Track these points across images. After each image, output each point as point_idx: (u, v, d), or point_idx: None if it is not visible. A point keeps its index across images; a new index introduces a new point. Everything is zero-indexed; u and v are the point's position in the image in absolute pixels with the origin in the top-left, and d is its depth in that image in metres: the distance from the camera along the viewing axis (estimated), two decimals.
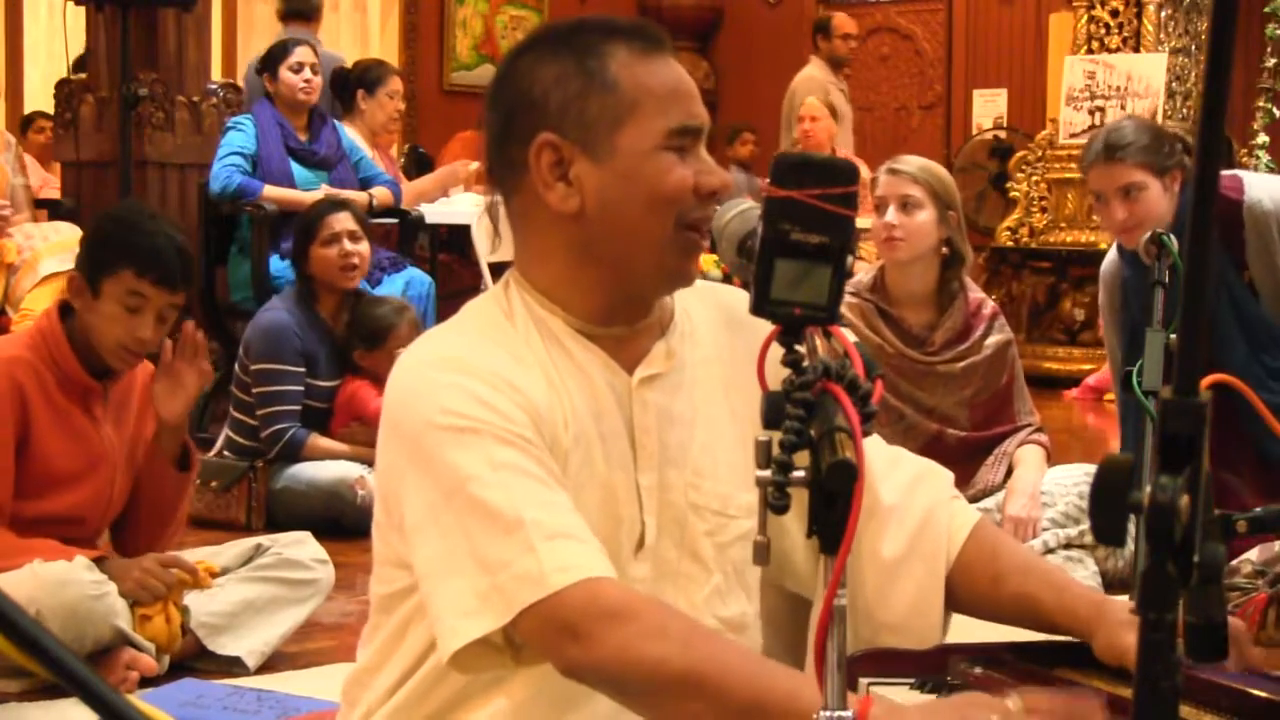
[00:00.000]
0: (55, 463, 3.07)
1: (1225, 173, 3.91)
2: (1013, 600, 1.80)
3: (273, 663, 3.23)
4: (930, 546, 1.81)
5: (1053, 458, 4.07)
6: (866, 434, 1.20)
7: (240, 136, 5.86)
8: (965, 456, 3.89)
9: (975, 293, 4.02)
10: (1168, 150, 3.70)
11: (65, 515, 3.11)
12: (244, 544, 3.39)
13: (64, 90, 6.50)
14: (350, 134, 6.23)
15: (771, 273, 1.33)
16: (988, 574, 1.81)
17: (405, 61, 10.40)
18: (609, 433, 1.69)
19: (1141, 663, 0.88)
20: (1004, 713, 1.45)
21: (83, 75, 6.54)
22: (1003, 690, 1.58)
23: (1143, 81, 8.14)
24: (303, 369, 4.70)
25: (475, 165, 6.92)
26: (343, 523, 4.45)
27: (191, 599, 3.19)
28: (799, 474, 1.20)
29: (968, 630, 1.92)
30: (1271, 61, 8.65)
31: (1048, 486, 3.92)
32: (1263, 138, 8.56)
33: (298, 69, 5.93)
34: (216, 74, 7.52)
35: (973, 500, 3.79)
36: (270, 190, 5.75)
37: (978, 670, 1.71)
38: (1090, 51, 8.41)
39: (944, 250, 3.88)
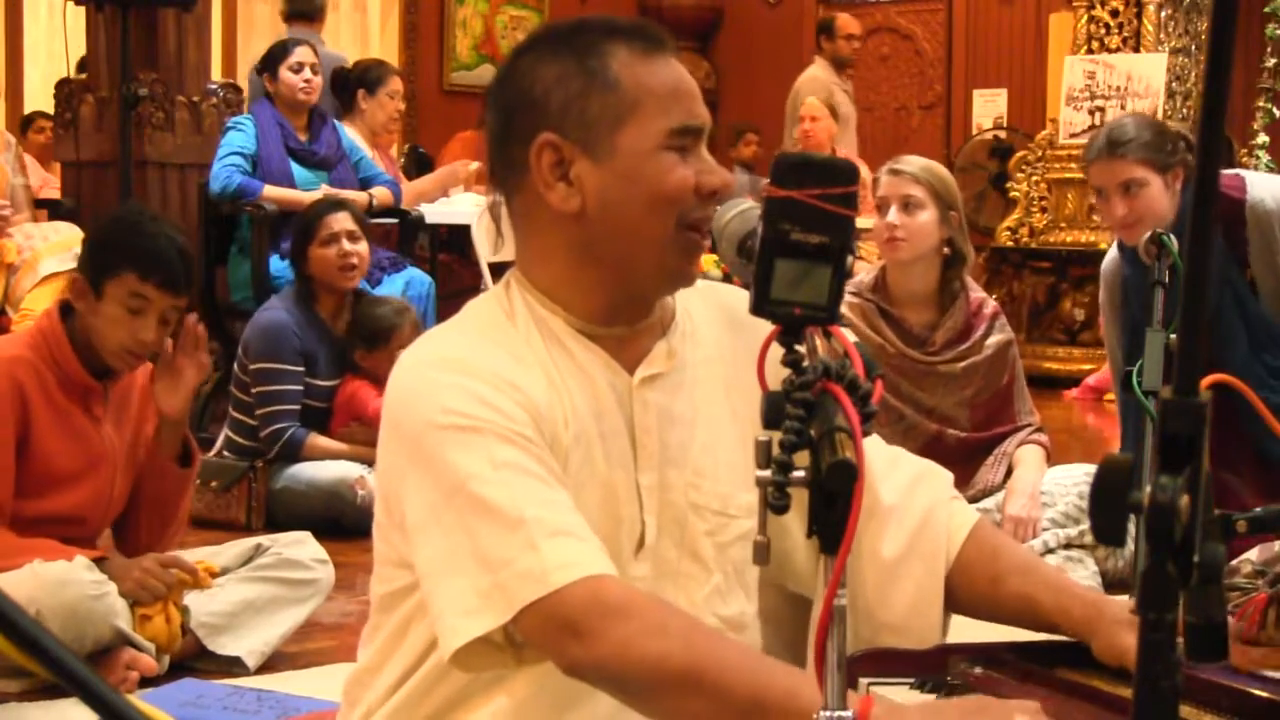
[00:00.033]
0: (55, 462, 3.07)
1: (1227, 172, 3.91)
2: (1011, 600, 1.80)
3: (273, 663, 3.23)
4: (929, 547, 1.82)
5: (1053, 458, 4.07)
6: (866, 434, 1.20)
7: (240, 136, 5.86)
8: (965, 457, 3.89)
9: (976, 292, 4.02)
10: (1170, 148, 3.70)
11: (65, 515, 3.11)
12: (244, 544, 3.39)
13: (64, 90, 6.50)
14: (350, 134, 6.22)
15: (771, 273, 1.33)
16: (987, 574, 1.81)
17: (405, 61, 10.40)
18: (609, 432, 1.69)
19: (1141, 663, 0.88)
20: None
21: (83, 76, 6.54)
22: (1003, 691, 1.58)
23: (1143, 81, 8.14)
24: (302, 368, 4.70)
25: (475, 165, 6.92)
26: (343, 523, 4.45)
27: (191, 599, 3.19)
28: (799, 474, 1.20)
29: (968, 630, 1.92)
30: (1271, 61, 8.65)
31: (1048, 486, 3.92)
32: (1263, 138, 8.56)
33: (298, 69, 5.93)
34: (216, 74, 7.52)
35: (972, 500, 3.79)
36: (270, 190, 5.75)
37: (978, 670, 1.71)
38: (1090, 51, 8.41)
39: (945, 250, 3.88)
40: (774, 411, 1.23)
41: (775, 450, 1.21)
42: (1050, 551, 3.80)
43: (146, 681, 3.05)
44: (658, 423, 1.72)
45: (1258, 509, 1.62)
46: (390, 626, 1.72)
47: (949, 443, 3.89)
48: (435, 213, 6.60)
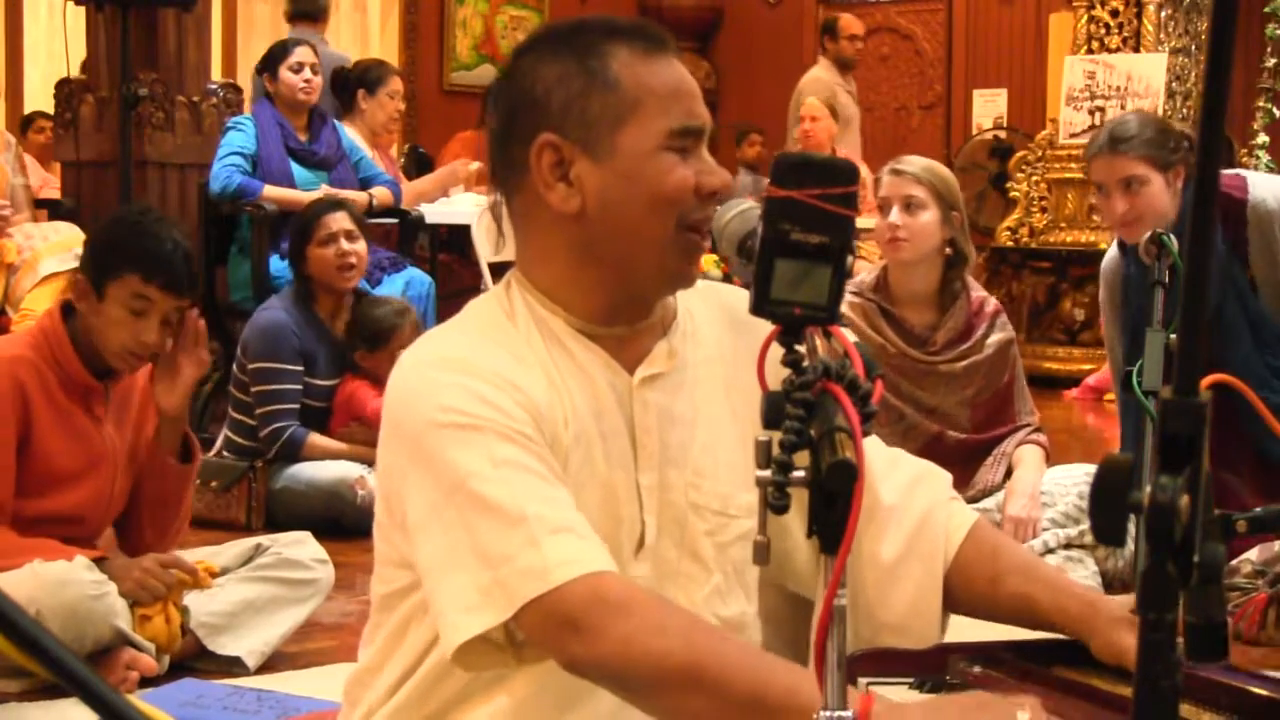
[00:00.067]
0: (56, 462, 3.07)
1: (1228, 172, 3.92)
2: (1010, 600, 1.80)
3: (273, 663, 3.23)
4: (928, 547, 1.82)
5: (1052, 458, 4.07)
6: (866, 434, 1.20)
7: (240, 136, 5.86)
8: (965, 459, 3.89)
9: (977, 291, 4.02)
10: (1173, 146, 3.70)
11: (66, 514, 3.11)
12: (244, 544, 3.39)
13: (64, 90, 6.50)
14: (350, 134, 6.22)
15: (771, 273, 1.33)
16: (985, 574, 1.81)
17: (405, 61, 10.40)
18: (609, 432, 1.70)
19: (1141, 662, 0.88)
20: None
21: (83, 76, 6.54)
22: (1004, 690, 1.58)
23: (1143, 81, 8.14)
24: (300, 368, 4.70)
25: (476, 165, 6.91)
26: (343, 523, 4.45)
27: (191, 599, 3.19)
28: (799, 474, 1.20)
29: (966, 630, 1.92)
30: (1271, 61, 8.65)
31: (1048, 486, 3.92)
32: (1263, 138, 8.56)
33: (298, 69, 5.93)
34: (216, 74, 7.51)
35: (972, 501, 3.80)
36: (270, 190, 5.75)
37: (976, 669, 1.71)
38: (1090, 51, 8.41)
39: (947, 251, 3.88)
40: (774, 411, 1.23)
41: (775, 450, 1.21)
42: (1050, 551, 3.80)
43: (146, 681, 3.05)
44: (658, 423, 1.72)
45: (1258, 509, 1.62)
46: (390, 626, 1.72)
47: (948, 444, 3.89)
48: (435, 213, 6.60)
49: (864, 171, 7.03)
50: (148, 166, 6.22)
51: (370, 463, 4.23)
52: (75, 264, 4.07)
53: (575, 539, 1.55)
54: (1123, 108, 7.91)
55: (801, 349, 1.30)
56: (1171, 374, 1.06)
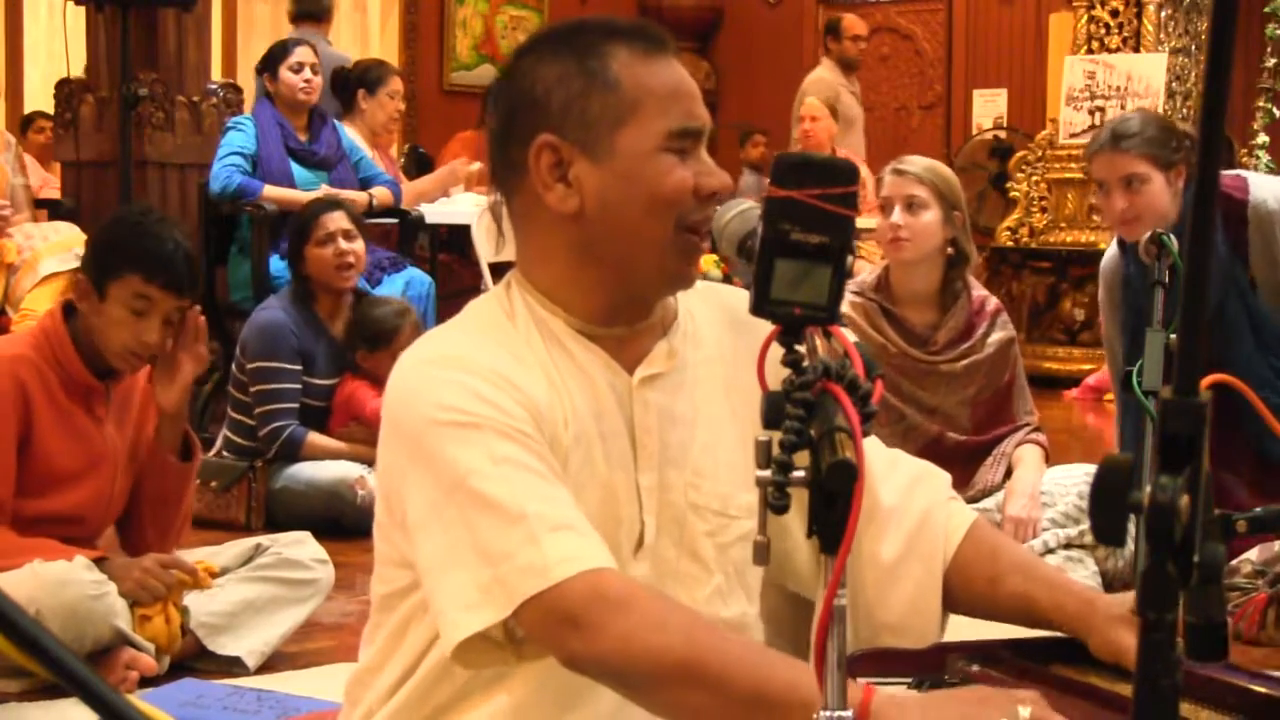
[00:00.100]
0: (57, 461, 3.07)
1: (1229, 172, 3.92)
2: (1009, 599, 1.80)
3: (273, 663, 3.23)
4: (927, 547, 1.82)
5: (1052, 458, 4.07)
6: (866, 434, 1.20)
7: (240, 136, 5.86)
8: (965, 460, 3.89)
9: (978, 291, 4.03)
10: (1175, 145, 3.70)
11: (66, 514, 3.11)
12: (244, 544, 3.39)
13: (64, 90, 6.50)
14: (350, 134, 6.22)
15: (771, 273, 1.33)
16: (984, 574, 1.81)
17: (405, 61, 10.40)
18: (609, 432, 1.70)
19: (1142, 662, 0.88)
20: (1013, 717, 1.45)
21: (84, 76, 6.54)
22: (1003, 687, 1.58)
23: (1143, 81, 8.15)
24: (299, 367, 4.70)
25: (476, 165, 6.91)
26: (343, 523, 4.45)
27: (191, 599, 3.19)
28: (799, 474, 1.20)
29: (966, 629, 1.92)
30: (1271, 61, 8.65)
31: (1048, 486, 3.92)
32: (1263, 138, 8.56)
33: (298, 69, 5.92)
34: (216, 74, 7.51)
35: (972, 501, 3.80)
36: (270, 190, 5.75)
37: (975, 668, 1.71)
38: (1090, 51, 8.41)
39: (949, 250, 3.88)
40: (774, 411, 1.23)
41: (775, 450, 1.21)
42: (1050, 551, 3.80)
43: (146, 681, 3.06)
44: (658, 423, 1.72)
45: (1258, 509, 1.62)
46: (390, 626, 1.72)
47: (948, 445, 3.89)
48: (435, 213, 6.60)
49: (864, 171, 7.03)
50: (148, 166, 6.22)
51: (370, 462, 4.23)
52: (75, 264, 4.08)
53: (575, 536, 1.55)
54: (1123, 108, 7.91)
55: (801, 349, 1.30)
56: (1171, 374, 1.06)
